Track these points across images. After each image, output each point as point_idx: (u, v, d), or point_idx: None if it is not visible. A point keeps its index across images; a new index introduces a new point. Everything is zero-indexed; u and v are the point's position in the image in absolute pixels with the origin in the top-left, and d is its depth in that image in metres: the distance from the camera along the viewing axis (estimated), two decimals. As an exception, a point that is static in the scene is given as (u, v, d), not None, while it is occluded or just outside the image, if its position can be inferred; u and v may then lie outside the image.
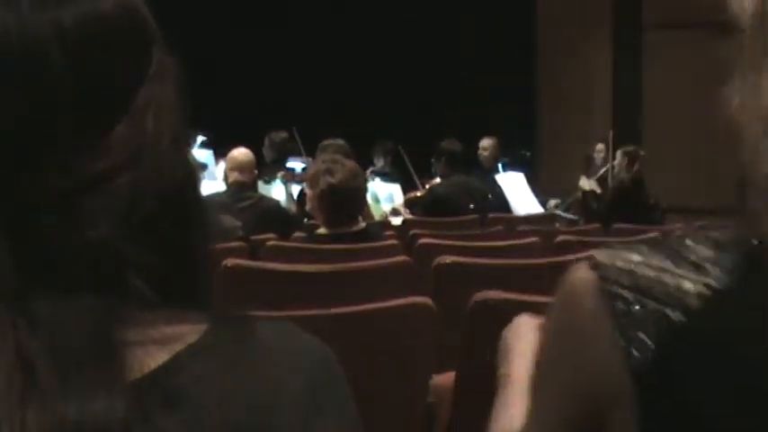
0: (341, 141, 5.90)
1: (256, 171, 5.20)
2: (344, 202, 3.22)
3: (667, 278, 0.67)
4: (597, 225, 5.52)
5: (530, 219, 6.12)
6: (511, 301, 1.91)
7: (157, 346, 0.56)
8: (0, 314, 0.51)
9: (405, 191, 6.95)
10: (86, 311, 0.53)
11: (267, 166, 6.04)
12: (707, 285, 0.65)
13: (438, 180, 6.40)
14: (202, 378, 0.56)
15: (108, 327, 0.54)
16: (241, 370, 0.58)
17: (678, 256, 0.68)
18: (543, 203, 7.26)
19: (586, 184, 7.47)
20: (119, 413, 0.51)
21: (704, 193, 7.19)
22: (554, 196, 7.81)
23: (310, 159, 6.34)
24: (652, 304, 0.66)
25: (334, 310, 1.75)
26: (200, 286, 0.62)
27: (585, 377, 0.69)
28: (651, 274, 0.67)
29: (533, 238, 3.78)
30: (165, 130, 0.59)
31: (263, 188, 5.63)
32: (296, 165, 6.72)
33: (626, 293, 0.67)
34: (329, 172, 3.23)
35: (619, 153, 6.98)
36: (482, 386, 2.04)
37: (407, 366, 1.88)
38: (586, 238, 4.14)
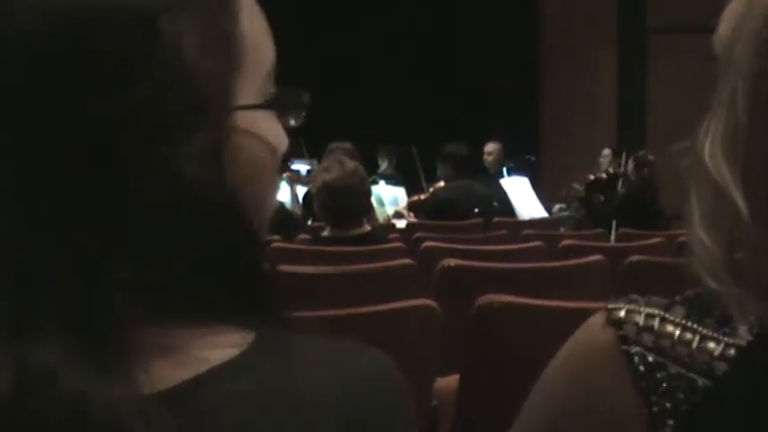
0: (348, 144, 5.91)
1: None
2: (341, 201, 3.22)
3: (689, 335, 0.63)
4: (601, 230, 5.51)
5: (534, 223, 6.11)
6: (515, 304, 1.91)
7: (182, 365, 0.53)
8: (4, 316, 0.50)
9: (412, 194, 6.96)
10: (105, 320, 0.51)
11: None
12: (732, 346, 0.62)
13: (442, 184, 6.40)
14: (225, 402, 0.52)
15: (126, 336, 0.51)
16: (272, 393, 0.54)
17: (703, 310, 0.64)
18: (548, 209, 7.25)
19: (577, 185, 7.52)
20: (135, 417, 0.48)
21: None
22: (557, 200, 7.80)
23: (315, 161, 6.34)
24: (675, 368, 0.63)
25: (337, 312, 1.75)
26: (248, 295, 0.57)
27: None
28: (673, 330, 0.64)
29: (537, 242, 3.78)
30: (175, 116, 0.54)
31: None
32: (301, 167, 6.72)
33: (648, 356, 0.64)
34: (326, 170, 3.27)
35: (630, 159, 6.97)
36: (486, 389, 2.04)
37: (411, 369, 1.87)
38: (591, 243, 4.14)
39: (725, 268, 0.62)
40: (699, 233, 0.63)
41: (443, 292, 2.60)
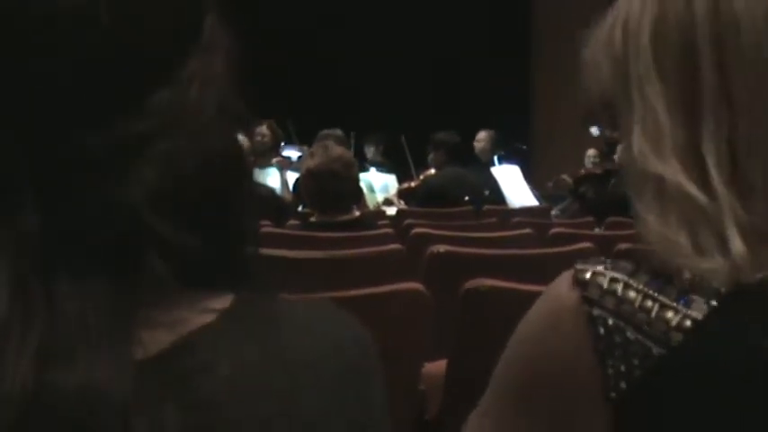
0: (338, 131, 5.91)
1: (253, 158, 5.20)
2: (323, 185, 3.21)
3: (649, 303, 0.66)
4: (590, 219, 5.52)
5: (524, 211, 6.12)
6: (502, 288, 1.91)
7: (167, 329, 0.53)
8: (30, 287, 0.50)
9: (402, 181, 6.95)
10: (103, 287, 0.51)
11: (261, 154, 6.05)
12: (689, 317, 0.65)
13: (432, 171, 6.40)
14: (212, 363, 0.53)
15: (122, 304, 0.51)
16: (257, 354, 0.55)
17: (665, 279, 0.67)
18: (538, 197, 7.26)
19: (566, 176, 7.52)
20: (122, 390, 0.49)
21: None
22: (547, 192, 7.81)
23: (306, 148, 6.33)
24: (633, 334, 0.66)
25: (323, 295, 1.74)
26: (236, 265, 0.59)
27: (561, 403, 0.69)
28: (635, 296, 0.67)
29: (527, 230, 3.78)
30: (210, 102, 0.57)
31: (257, 175, 5.63)
32: (291, 153, 6.71)
33: (609, 319, 0.67)
34: (311, 156, 3.28)
35: (620, 147, 6.94)
36: (473, 373, 2.04)
37: (399, 353, 1.88)
38: (580, 231, 4.14)
39: (693, 250, 0.66)
40: (656, 227, 0.69)
41: (432, 278, 2.60)
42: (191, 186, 0.55)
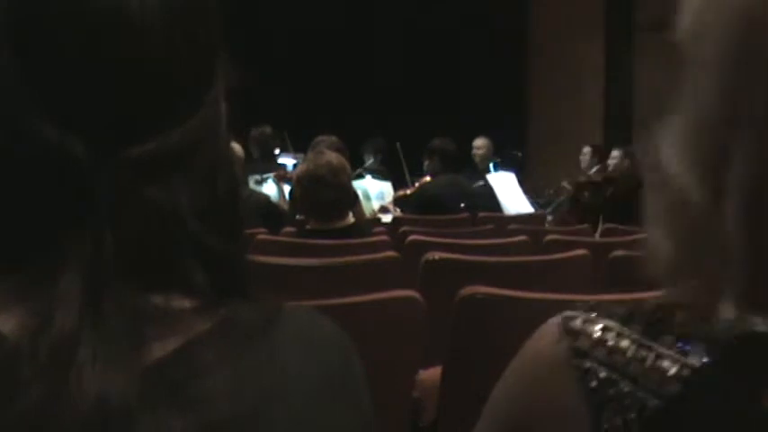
0: (334, 138, 5.90)
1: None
2: (311, 193, 3.21)
3: (644, 353, 0.62)
4: (586, 226, 5.52)
5: (520, 218, 6.12)
6: (498, 296, 1.91)
7: (173, 336, 0.56)
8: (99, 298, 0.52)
9: (397, 189, 6.95)
10: (138, 297, 0.54)
11: (254, 163, 6.06)
12: (687, 366, 0.61)
13: (428, 178, 6.40)
14: (210, 367, 0.55)
15: (147, 314, 0.54)
16: (253, 358, 0.57)
17: (657, 328, 0.63)
18: (534, 204, 7.26)
19: (566, 183, 7.52)
20: (131, 398, 0.51)
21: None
22: (543, 197, 7.81)
23: (302, 156, 6.33)
24: (628, 386, 0.62)
25: (319, 302, 1.74)
26: (239, 271, 0.62)
27: None
28: (628, 346, 0.63)
29: (523, 237, 3.78)
30: (226, 117, 0.62)
31: (255, 188, 5.63)
32: (287, 161, 6.71)
33: (600, 371, 0.62)
34: (305, 161, 3.29)
35: (618, 152, 6.95)
36: (468, 381, 2.04)
37: (393, 360, 1.88)
38: (575, 238, 4.15)
39: (676, 268, 0.61)
40: (651, 230, 0.62)
41: (428, 285, 2.60)
42: (214, 198, 0.58)
